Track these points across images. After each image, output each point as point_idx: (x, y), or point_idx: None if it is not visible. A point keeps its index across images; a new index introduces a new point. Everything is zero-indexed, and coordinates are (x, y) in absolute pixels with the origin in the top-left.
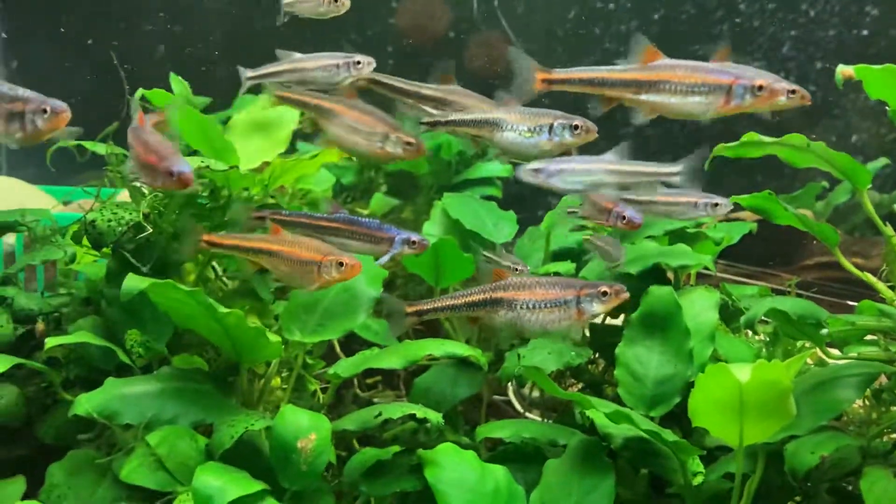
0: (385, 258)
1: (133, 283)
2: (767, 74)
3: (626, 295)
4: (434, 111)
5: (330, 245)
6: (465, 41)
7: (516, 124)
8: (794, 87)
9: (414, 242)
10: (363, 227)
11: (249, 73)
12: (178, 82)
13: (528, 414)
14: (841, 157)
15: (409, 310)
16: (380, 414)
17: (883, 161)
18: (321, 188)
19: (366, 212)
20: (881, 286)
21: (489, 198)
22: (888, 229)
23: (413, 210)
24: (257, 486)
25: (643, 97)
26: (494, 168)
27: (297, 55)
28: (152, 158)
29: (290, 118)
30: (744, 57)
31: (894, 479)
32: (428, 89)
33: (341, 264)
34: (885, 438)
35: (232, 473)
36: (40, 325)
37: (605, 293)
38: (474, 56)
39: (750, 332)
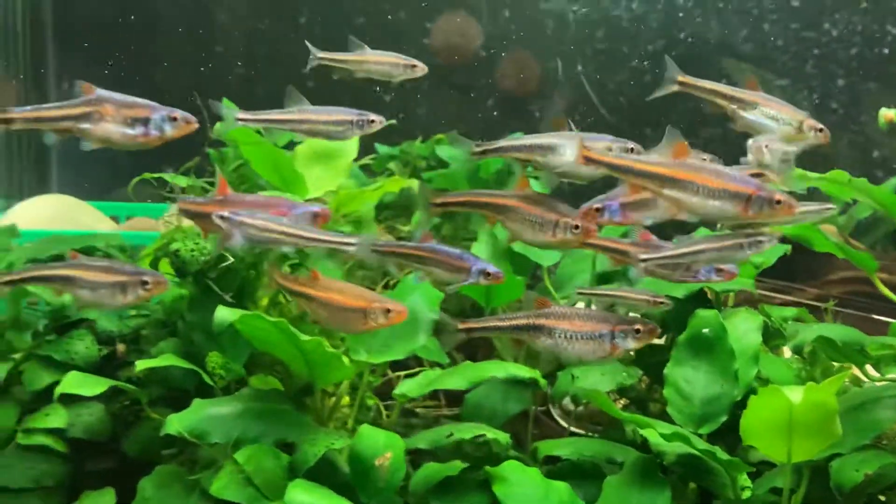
0: (455, 286)
1: (224, 315)
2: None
3: (657, 332)
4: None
5: (374, 293)
6: (496, 60)
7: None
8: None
9: (489, 274)
10: (445, 256)
11: (241, 115)
12: (230, 107)
13: (571, 427)
14: (880, 192)
15: (461, 327)
16: (451, 434)
17: None
18: (365, 207)
19: (406, 228)
20: None
21: None
22: None
23: (452, 227)
24: (343, 502)
25: (665, 192)
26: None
27: (307, 105)
28: None
29: (351, 148)
30: (768, 74)
31: None
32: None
33: (388, 311)
34: None
35: (319, 490)
36: (121, 347)
37: (638, 331)
38: (506, 74)
39: (788, 352)
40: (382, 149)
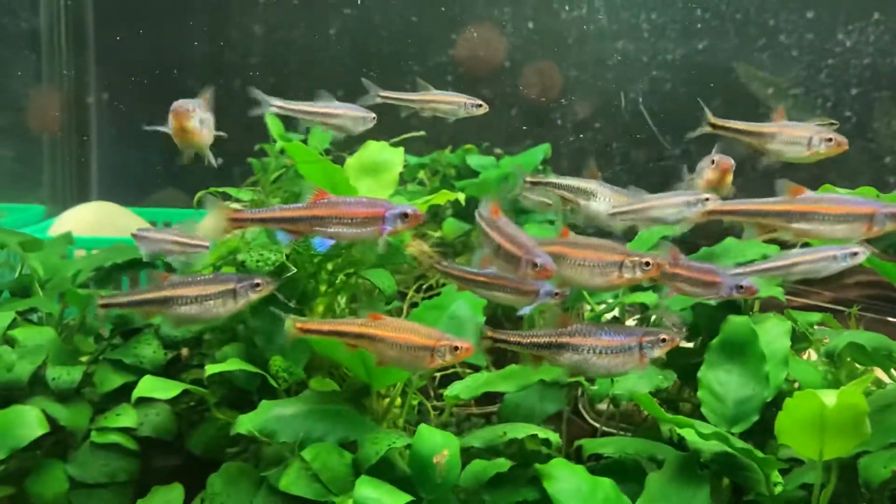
0: (528, 309)
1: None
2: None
3: (680, 341)
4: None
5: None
6: (520, 70)
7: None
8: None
9: (556, 294)
10: (511, 282)
11: (277, 102)
12: (273, 120)
13: (603, 427)
14: None
15: (488, 334)
16: (505, 433)
17: None
18: None
19: (437, 234)
20: None
21: (549, 222)
22: None
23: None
24: (406, 497)
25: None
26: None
27: (335, 102)
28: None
29: (398, 161)
30: (783, 83)
31: None
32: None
33: (456, 348)
34: None
35: (384, 486)
36: (184, 351)
37: (664, 340)
38: (529, 84)
39: (814, 354)
40: (412, 158)
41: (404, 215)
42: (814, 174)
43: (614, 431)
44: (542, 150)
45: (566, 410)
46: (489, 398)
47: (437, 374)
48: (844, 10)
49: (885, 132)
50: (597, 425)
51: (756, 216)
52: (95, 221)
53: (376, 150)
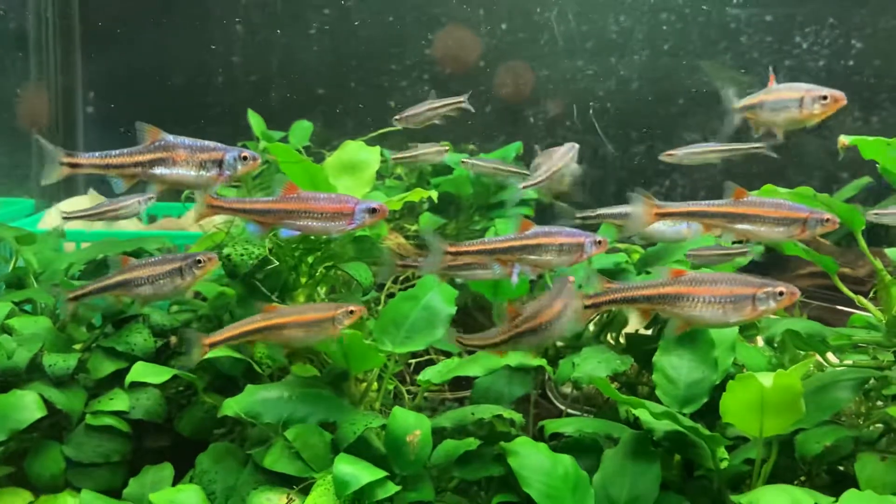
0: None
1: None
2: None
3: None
4: None
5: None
6: (494, 70)
7: None
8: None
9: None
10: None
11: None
12: (255, 118)
13: (567, 409)
14: (840, 205)
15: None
16: (473, 414)
17: (866, 179)
18: None
19: (413, 227)
20: (872, 308)
21: (526, 217)
22: (878, 262)
23: (456, 226)
24: (381, 473)
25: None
26: (527, 191)
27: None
28: None
29: (375, 159)
30: (743, 85)
31: (881, 462)
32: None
33: (352, 312)
34: (871, 428)
35: (361, 463)
36: (173, 339)
37: (781, 293)
38: (502, 83)
39: (761, 341)
40: (391, 154)
41: (372, 210)
42: (775, 168)
43: (578, 413)
44: (514, 148)
45: (534, 393)
46: (464, 384)
47: (412, 361)
48: (801, 14)
49: (840, 129)
50: (563, 407)
51: (701, 217)
52: None
53: (354, 149)
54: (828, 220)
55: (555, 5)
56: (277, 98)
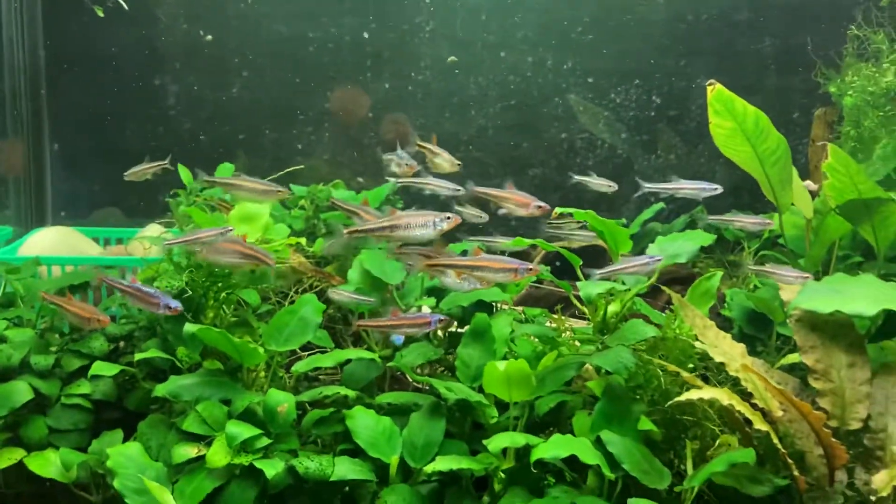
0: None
1: (190, 328)
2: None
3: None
4: None
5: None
6: (379, 120)
7: None
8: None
9: (441, 320)
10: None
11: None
12: (184, 171)
13: (416, 384)
14: (609, 224)
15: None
16: (321, 392)
17: (659, 205)
18: (280, 236)
19: (311, 249)
20: (590, 314)
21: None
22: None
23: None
24: (257, 431)
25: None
26: None
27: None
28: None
29: (265, 211)
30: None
31: (589, 417)
32: None
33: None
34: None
35: (244, 425)
36: (122, 343)
37: (529, 269)
38: (387, 131)
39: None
40: (297, 189)
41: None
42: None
43: (420, 388)
44: (388, 188)
45: (388, 375)
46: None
47: (304, 353)
48: (616, 76)
49: (650, 164)
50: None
51: (451, 266)
52: (56, 243)
53: (249, 206)
54: (531, 269)
55: (426, 69)
56: (206, 141)
